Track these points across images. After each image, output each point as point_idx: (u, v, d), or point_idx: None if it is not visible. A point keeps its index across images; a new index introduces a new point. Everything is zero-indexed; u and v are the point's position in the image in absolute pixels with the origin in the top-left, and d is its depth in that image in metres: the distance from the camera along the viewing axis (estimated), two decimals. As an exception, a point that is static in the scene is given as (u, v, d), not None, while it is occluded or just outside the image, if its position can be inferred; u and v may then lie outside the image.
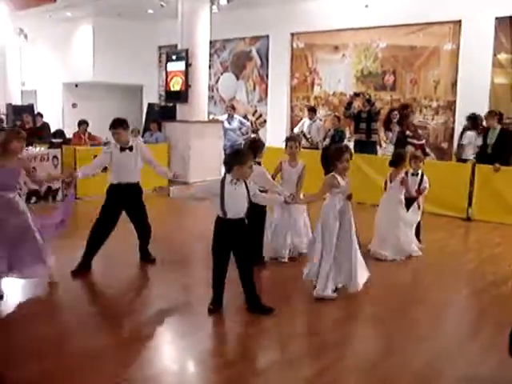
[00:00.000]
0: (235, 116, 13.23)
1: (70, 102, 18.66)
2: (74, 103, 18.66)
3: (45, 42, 18.42)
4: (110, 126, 5.86)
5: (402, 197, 6.70)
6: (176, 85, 12.37)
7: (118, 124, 5.84)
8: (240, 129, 13.14)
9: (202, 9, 12.12)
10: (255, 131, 14.11)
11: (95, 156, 8.90)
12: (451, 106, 11.86)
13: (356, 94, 11.23)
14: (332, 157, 5.11)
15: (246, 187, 4.64)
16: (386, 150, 10.56)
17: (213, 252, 4.81)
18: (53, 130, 13.69)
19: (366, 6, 12.54)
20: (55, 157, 9.80)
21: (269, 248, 6.29)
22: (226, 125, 12.91)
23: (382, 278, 5.96)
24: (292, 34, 14.44)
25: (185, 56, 12.01)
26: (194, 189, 4.65)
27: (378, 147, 10.96)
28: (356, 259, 5.19)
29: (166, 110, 13.07)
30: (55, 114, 17.80)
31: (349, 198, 5.24)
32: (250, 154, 4.77)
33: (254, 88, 15.55)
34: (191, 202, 4.46)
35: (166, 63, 12.88)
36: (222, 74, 16.35)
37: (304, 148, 9.26)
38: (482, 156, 9.26)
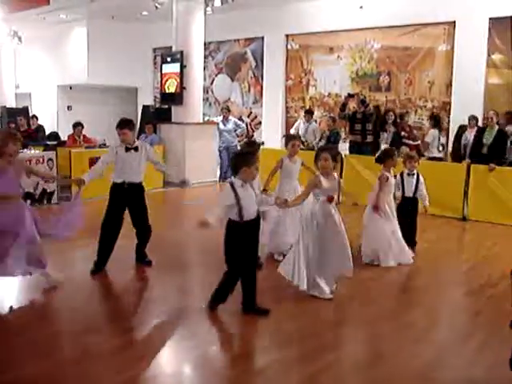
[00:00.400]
0: (230, 117, 13.24)
1: (65, 105, 18.61)
2: (69, 105, 18.61)
3: (39, 45, 18.35)
4: (117, 125, 5.87)
5: (391, 197, 6.51)
6: (171, 87, 12.38)
7: (125, 124, 5.88)
8: (235, 130, 13.16)
9: (196, 10, 12.13)
10: (250, 138, 14.13)
11: (90, 158, 8.92)
12: (446, 107, 11.88)
13: (350, 95, 11.25)
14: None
15: (253, 188, 4.68)
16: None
17: (231, 259, 4.63)
18: (47, 132, 13.68)
19: (361, 7, 12.56)
20: (50, 159, 9.77)
21: (269, 245, 6.36)
22: (221, 126, 12.92)
23: (378, 280, 5.97)
24: (287, 36, 14.44)
25: (179, 58, 12.02)
26: (219, 210, 4.53)
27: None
28: (346, 248, 5.17)
29: (161, 112, 13.07)
30: (50, 117, 17.74)
31: (329, 199, 5.12)
32: (256, 155, 4.75)
33: (249, 89, 15.54)
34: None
35: (161, 65, 12.88)
36: (216, 75, 16.34)
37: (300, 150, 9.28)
38: (478, 156, 9.28)
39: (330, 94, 13.83)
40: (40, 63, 18.77)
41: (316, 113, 13.68)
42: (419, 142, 10.70)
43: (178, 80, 12.12)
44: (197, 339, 4.33)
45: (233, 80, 15.93)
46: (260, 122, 15.27)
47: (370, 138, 10.67)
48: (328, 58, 13.69)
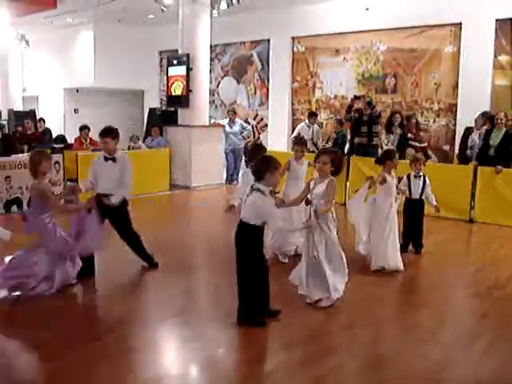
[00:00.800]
0: (237, 120, 13.26)
1: (72, 108, 18.70)
2: (76, 108, 18.69)
3: (46, 48, 18.45)
4: (100, 133, 5.79)
5: (393, 200, 6.32)
6: (177, 89, 12.40)
7: (107, 133, 5.76)
8: (241, 133, 13.17)
9: (202, 13, 12.14)
10: (256, 141, 14.14)
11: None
12: (452, 109, 11.84)
13: (356, 97, 11.23)
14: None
15: None
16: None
17: (252, 266, 4.49)
18: (54, 135, 13.74)
19: (367, 9, 12.55)
20: (57, 162, 9.81)
21: (272, 246, 6.37)
22: (228, 129, 12.94)
23: (382, 281, 5.95)
24: (293, 38, 14.45)
25: (186, 60, 12.03)
26: (275, 219, 4.46)
27: (380, 150, 10.93)
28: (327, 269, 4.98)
29: (168, 115, 13.10)
30: (57, 120, 17.84)
31: (305, 202, 5.04)
32: (277, 160, 4.58)
33: (255, 92, 15.55)
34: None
35: (167, 68, 12.90)
36: (222, 78, 16.36)
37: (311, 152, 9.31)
38: (484, 158, 9.24)
39: (336, 96, 13.82)
40: (47, 66, 18.88)
41: (322, 115, 13.68)
42: (425, 143, 10.68)
43: (185, 83, 12.14)
44: (203, 341, 4.34)
45: (239, 82, 15.95)
46: (266, 125, 15.28)
47: (375, 140, 10.65)
48: (334, 60, 13.68)
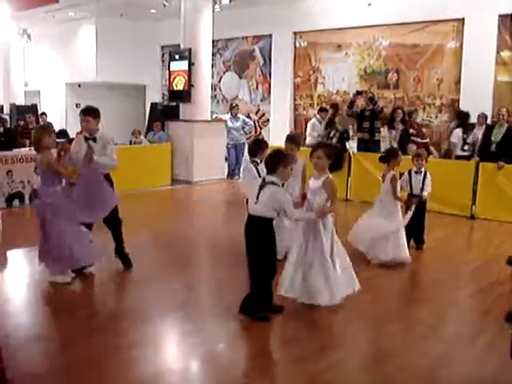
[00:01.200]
0: (239, 115, 13.24)
1: (73, 102, 18.67)
2: (78, 103, 18.67)
3: (48, 43, 18.43)
4: (81, 111, 5.72)
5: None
6: (179, 84, 12.38)
7: (89, 111, 5.67)
8: (243, 128, 13.16)
9: (204, 8, 12.12)
10: (258, 136, 14.08)
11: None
12: (454, 104, 11.82)
13: (358, 93, 11.23)
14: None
15: None
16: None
17: (267, 258, 4.48)
18: (56, 129, 13.73)
19: (369, 5, 12.52)
20: (59, 156, 9.80)
21: None
22: (230, 124, 12.92)
23: (383, 278, 5.95)
24: (295, 33, 14.43)
25: (188, 55, 12.01)
26: (292, 209, 4.42)
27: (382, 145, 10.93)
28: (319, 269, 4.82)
29: (169, 110, 13.09)
30: (58, 114, 17.84)
31: (301, 196, 5.04)
32: (291, 155, 4.64)
33: (257, 87, 15.54)
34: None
35: (169, 63, 12.88)
36: (224, 73, 16.34)
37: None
38: (486, 154, 9.23)
39: (338, 91, 13.80)
40: (49, 61, 18.86)
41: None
42: (428, 139, 10.67)
43: (186, 77, 12.12)
44: (203, 336, 4.34)
45: (241, 77, 15.93)
46: (268, 120, 15.27)
47: (377, 136, 10.65)
48: (336, 55, 13.66)
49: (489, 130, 9.51)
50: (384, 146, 10.21)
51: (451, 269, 6.37)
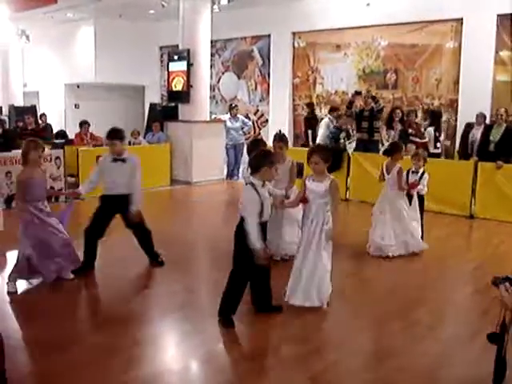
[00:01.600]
0: (238, 115, 13.25)
1: (72, 103, 18.68)
2: (76, 104, 18.68)
3: (46, 43, 18.42)
4: (107, 135, 5.81)
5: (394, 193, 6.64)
6: (178, 85, 12.39)
7: (115, 135, 5.77)
8: (242, 128, 13.16)
9: (203, 8, 12.12)
10: (256, 136, 14.05)
11: (98, 156, 8.96)
12: (453, 104, 11.83)
13: (357, 93, 11.23)
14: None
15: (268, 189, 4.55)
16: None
17: (244, 263, 4.44)
18: (55, 130, 13.74)
19: (368, 5, 12.52)
20: (58, 158, 9.82)
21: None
22: (229, 124, 12.92)
23: (383, 278, 5.97)
24: (293, 33, 14.42)
25: (186, 56, 12.02)
26: (252, 217, 4.33)
27: (380, 145, 10.93)
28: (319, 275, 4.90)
29: (168, 110, 13.08)
30: (57, 115, 17.81)
31: (301, 201, 4.99)
32: (277, 156, 4.58)
33: (256, 87, 15.54)
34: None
35: (168, 63, 12.89)
36: (223, 73, 16.34)
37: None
38: (485, 153, 9.24)
39: (336, 91, 13.81)
40: (47, 62, 18.85)
41: (323, 110, 13.67)
42: (426, 139, 10.67)
43: (185, 78, 12.13)
44: (203, 337, 4.35)
45: (239, 78, 15.93)
46: (267, 120, 15.27)
47: (376, 136, 10.64)
48: (335, 55, 13.66)
49: (487, 129, 9.51)
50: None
51: (450, 268, 6.38)
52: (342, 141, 10.90)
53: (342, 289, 5.32)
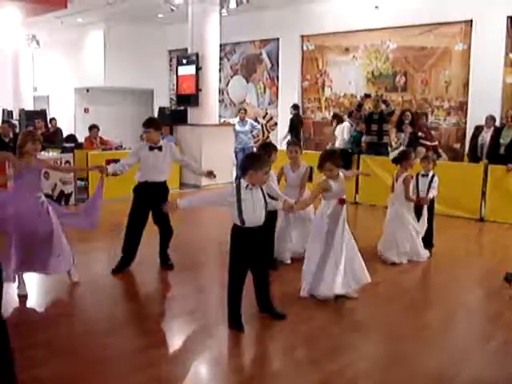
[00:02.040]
0: (247, 119, 13.25)
1: (82, 107, 18.79)
2: (86, 108, 18.78)
3: (56, 48, 18.56)
4: (143, 124, 5.91)
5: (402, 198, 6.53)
6: (187, 88, 12.42)
7: (151, 123, 5.89)
8: (251, 131, 13.17)
9: (211, 12, 12.16)
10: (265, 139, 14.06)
11: (107, 160, 9.01)
12: (463, 107, 11.79)
13: (367, 96, 11.21)
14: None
15: (263, 193, 4.45)
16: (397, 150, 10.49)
17: (231, 265, 4.51)
18: (65, 134, 13.81)
19: (376, 7, 12.52)
20: (67, 162, 9.86)
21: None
22: (238, 128, 12.93)
23: (393, 281, 5.94)
24: (302, 36, 14.44)
25: (195, 60, 12.06)
26: (204, 195, 4.41)
27: (389, 148, 10.89)
28: (357, 258, 5.24)
29: (177, 114, 13.13)
30: (67, 119, 17.93)
31: (341, 202, 5.08)
32: (267, 160, 4.55)
33: (265, 91, 15.57)
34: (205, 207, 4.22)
35: (177, 67, 12.94)
36: (232, 77, 16.39)
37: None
38: (495, 156, 9.19)
39: (345, 94, 13.80)
40: (57, 66, 18.99)
41: (332, 113, 13.64)
42: (436, 142, 10.64)
43: (194, 82, 12.16)
44: (212, 340, 4.35)
45: (248, 81, 15.96)
46: (276, 123, 15.28)
47: (386, 139, 10.61)
48: (343, 58, 13.66)
49: (497, 132, 9.47)
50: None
51: (460, 272, 6.34)
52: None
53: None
